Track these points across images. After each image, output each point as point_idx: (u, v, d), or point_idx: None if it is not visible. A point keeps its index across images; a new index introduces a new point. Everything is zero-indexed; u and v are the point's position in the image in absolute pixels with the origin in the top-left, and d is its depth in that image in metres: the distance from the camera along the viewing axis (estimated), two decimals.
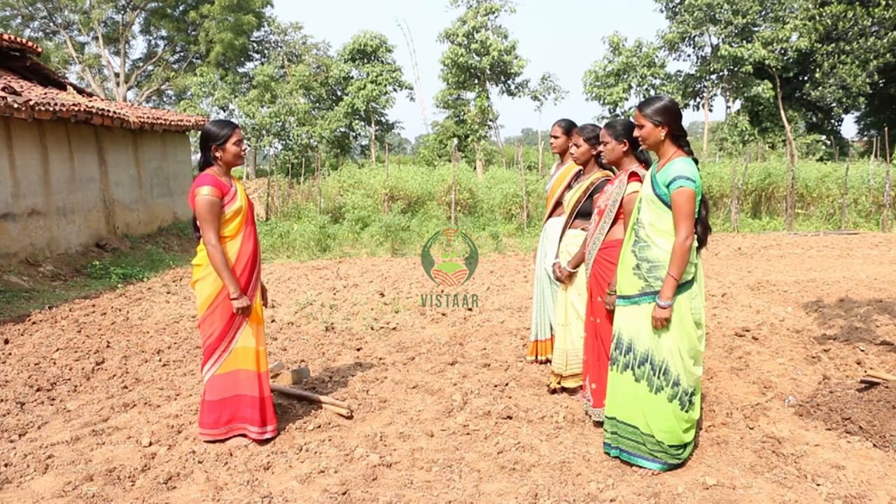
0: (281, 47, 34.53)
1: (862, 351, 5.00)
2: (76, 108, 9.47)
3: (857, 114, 31.33)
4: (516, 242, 12.35)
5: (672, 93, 28.24)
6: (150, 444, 3.57)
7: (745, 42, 26.86)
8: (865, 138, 31.80)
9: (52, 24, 32.92)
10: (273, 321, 6.44)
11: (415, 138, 55.15)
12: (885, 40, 23.93)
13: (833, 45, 25.71)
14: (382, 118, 31.50)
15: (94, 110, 10.03)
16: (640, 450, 3.17)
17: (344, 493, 2.98)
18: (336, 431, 3.72)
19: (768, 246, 11.51)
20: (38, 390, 4.52)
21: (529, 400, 4.13)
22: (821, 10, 25.20)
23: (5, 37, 10.68)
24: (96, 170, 10.99)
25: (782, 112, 27.33)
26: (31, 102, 8.43)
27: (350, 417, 3.90)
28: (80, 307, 7.22)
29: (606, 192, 3.67)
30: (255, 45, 34.40)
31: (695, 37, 28.34)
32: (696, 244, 3.09)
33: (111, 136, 11.48)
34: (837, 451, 3.31)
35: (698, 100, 30.38)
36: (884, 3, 23.72)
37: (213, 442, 3.53)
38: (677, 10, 28.31)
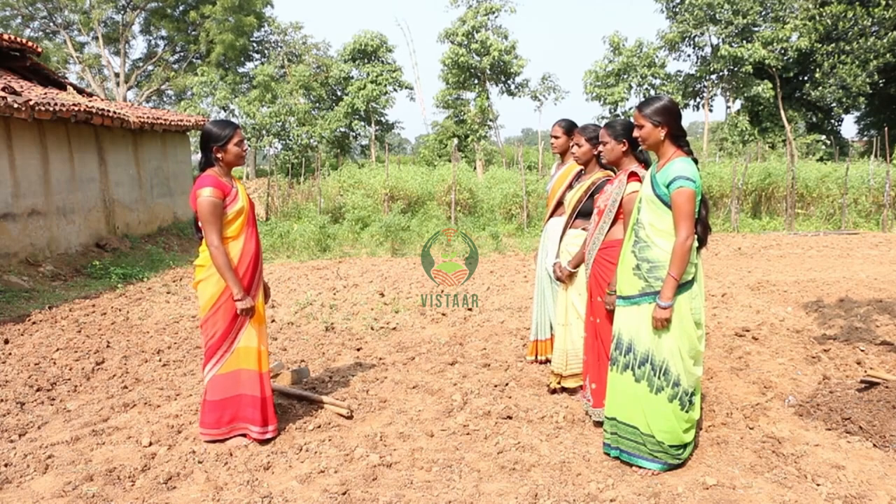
0: (281, 47, 34.53)
1: (862, 351, 5.00)
2: (76, 108, 9.47)
3: (857, 114, 31.33)
4: (516, 242, 12.35)
5: (672, 93, 28.22)
6: (150, 444, 3.57)
7: (745, 42, 26.85)
8: (865, 138, 31.79)
9: (52, 24, 32.91)
10: (273, 321, 6.44)
11: (415, 138, 55.18)
12: (885, 40, 23.93)
13: (833, 45, 25.71)
14: (382, 118, 31.50)
15: (94, 110, 10.03)
16: (641, 450, 3.17)
17: (344, 493, 2.98)
18: (336, 431, 3.72)
19: (768, 246, 11.51)
20: (38, 390, 4.52)
21: (529, 400, 4.13)
22: (821, 10, 25.19)
23: (5, 37, 10.68)
24: (96, 170, 10.99)
25: (782, 112, 27.33)
26: (31, 102, 8.43)
27: (350, 417, 3.90)
28: (80, 307, 7.22)
29: (606, 192, 3.67)
30: (255, 45, 34.39)
31: (695, 37, 28.34)
32: (696, 244, 3.09)
33: (111, 136, 11.48)
34: (837, 451, 3.31)
35: (698, 100, 30.37)
36: (884, 3, 23.72)
37: (214, 442, 3.53)
38: (677, 10, 28.29)
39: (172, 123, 13.10)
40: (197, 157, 3.57)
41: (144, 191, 12.72)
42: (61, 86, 11.71)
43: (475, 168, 22.39)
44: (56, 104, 8.99)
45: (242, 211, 3.48)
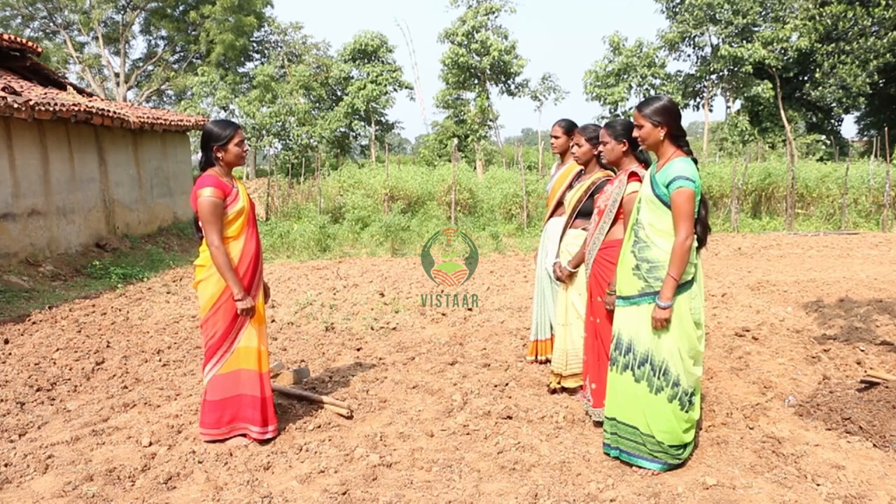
0: (281, 47, 34.54)
1: (862, 351, 5.00)
2: (76, 108, 9.47)
3: (857, 114, 31.33)
4: (516, 242, 12.35)
5: (672, 93, 28.23)
6: (150, 444, 3.57)
7: (745, 42, 26.86)
8: (865, 138, 31.80)
9: (52, 24, 32.91)
10: (273, 321, 6.44)
11: (415, 138, 55.20)
12: (885, 40, 23.93)
13: (833, 45, 25.71)
14: (382, 118, 31.51)
15: (94, 110, 10.03)
16: (640, 450, 3.17)
17: (344, 493, 2.98)
18: (336, 431, 3.72)
19: (768, 246, 11.51)
20: (38, 390, 4.52)
21: (529, 400, 4.13)
22: (821, 10, 25.19)
23: (5, 37, 10.68)
24: (96, 170, 10.99)
25: (782, 112, 27.33)
26: (31, 102, 8.43)
27: (350, 417, 3.90)
28: (80, 307, 7.22)
29: (606, 192, 3.67)
30: (255, 45, 34.40)
31: (695, 37, 28.34)
32: (695, 244, 3.09)
33: (111, 136, 11.48)
34: (837, 451, 3.31)
35: (698, 100, 30.38)
36: (884, 3, 23.72)
37: (214, 442, 3.53)
38: (677, 9, 28.30)
39: (172, 123, 13.10)
40: (197, 157, 3.56)
41: (144, 191, 12.72)
42: (61, 86, 11.71)
43: (475, 168, 22.40)
44: (56, 104, 8.99)
45: (243, 211, 3.48)
